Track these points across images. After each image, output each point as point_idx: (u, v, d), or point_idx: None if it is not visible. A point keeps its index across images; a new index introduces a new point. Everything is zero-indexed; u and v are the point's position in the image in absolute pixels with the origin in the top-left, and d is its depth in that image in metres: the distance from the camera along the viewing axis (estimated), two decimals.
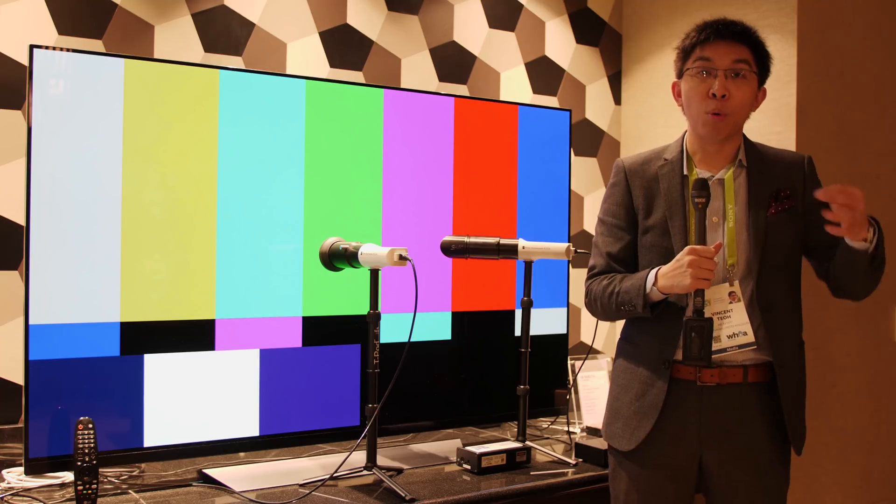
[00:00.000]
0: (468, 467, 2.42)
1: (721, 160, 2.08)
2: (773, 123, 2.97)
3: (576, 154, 3.44)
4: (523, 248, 2.52)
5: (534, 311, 2.66)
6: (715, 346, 1.97)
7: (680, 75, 2.10)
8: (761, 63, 2.06)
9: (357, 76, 2.95)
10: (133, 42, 2.56)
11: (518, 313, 2.84)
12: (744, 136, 2.12)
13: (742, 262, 2.02)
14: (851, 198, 1.84)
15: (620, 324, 2.22)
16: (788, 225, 2.05)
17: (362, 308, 2.32)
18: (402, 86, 3.02)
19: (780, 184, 2.06)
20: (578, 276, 3.32)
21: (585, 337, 3.43)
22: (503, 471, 2.42)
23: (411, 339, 2.24)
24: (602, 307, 2.12)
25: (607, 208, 2.17)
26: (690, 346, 1.92)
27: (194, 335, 2.32)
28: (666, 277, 1.95)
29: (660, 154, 2.14)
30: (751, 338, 1.99)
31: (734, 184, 2.06)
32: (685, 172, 2.08)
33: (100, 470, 2.10)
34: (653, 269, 2.01)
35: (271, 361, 2.43)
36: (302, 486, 2.24)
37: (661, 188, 2.08)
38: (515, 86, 3.32)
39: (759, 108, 2.11)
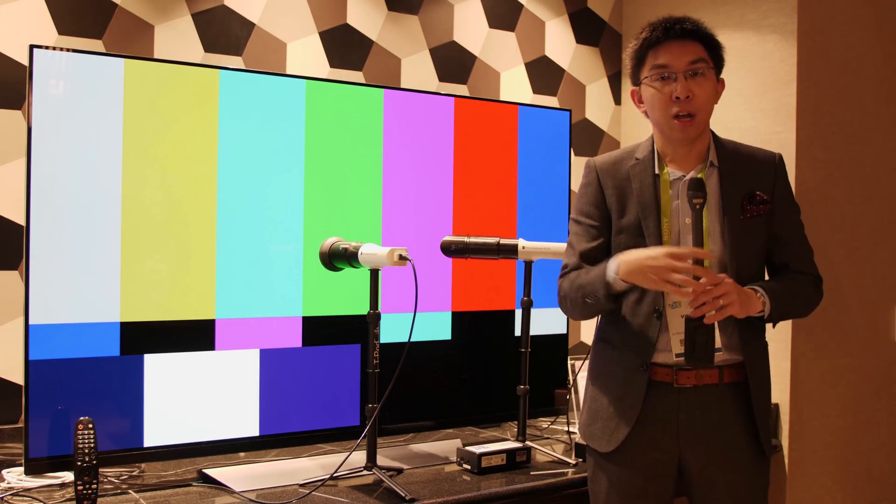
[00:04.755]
0: (468, 467, 2.42)
1: (691, 160, 2.06)
2: (773, 123, 2.97)
3: (576, 154, 3.44)
4: (523, 248, 2.52)
5: (534, 311, 2.66)
6: (676, 350, 1.97)
7: (637, 82, 2.08)
8: (716, 56, 2.04)
9: (357, 76, 2.95)
10: (133, 42, 2.56)
11: (518, 313, 2.84)
12: (712, 133, 2.10)
13: (715, 266, 2.01)
14: (709, 293, 1.87)
15: None
16: (761, 229, 2.05)
17: (362, 308, 2.32)
18: (402, 86, 3.02)
19: (753, 185, 2.05)
20: None
21: (585, 337, 3.43)
22: (503, 471, 2.42)
23: (411, 339, 2.24)
24: (571, 303, 2.09)
25: (580, 208, 2.14)
26: (694, 347, 1.90)
27: (194, 335, 2.32)
28: (629, 265, 1.92)
29: (631, 153, 2.12)
30: (717, 343, 1.98)
31: (706, 185, 2.03)
32: (656, 171, 2.06)
33: (100, 470, 2.10)
34: (616, 256, 1.98)
35: (271, 361, 2.43)
36: (302, 486, 2.24)
37: (634, 188, 2.06)
38: (515, 86, 3.32)
39: (720, 99, 2.09)
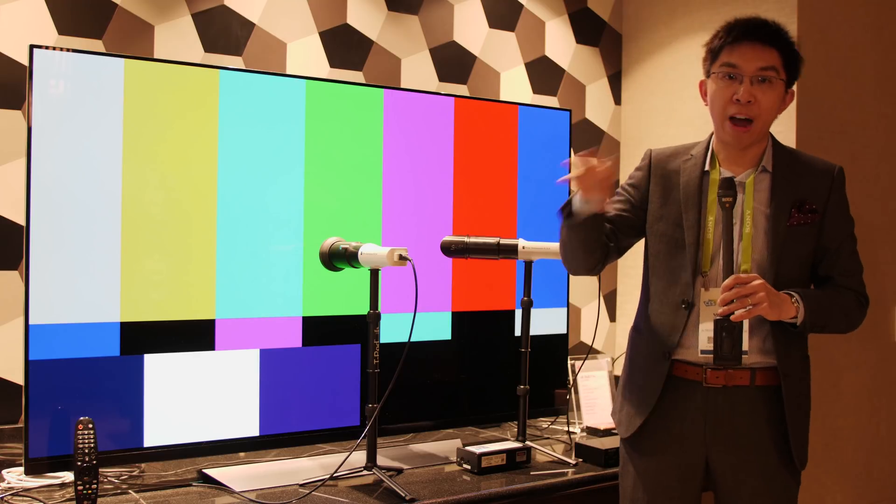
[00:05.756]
0: (468, 467, 2.42)
1: (744, 162, 2.05)
2: (773, 123, 2.96)
3: (576, 154, 3.44)
4: (523, 248, 2.52)
5: (534, 311, 2.66)
6: (702, 347, 1.98)
7: (707, 75, 2.07)
8: (790, 66, 2.02)
9: (357, 76, 2.95)
10: (133, 42, 2.56)
11: (518, 313, 2.84)
12: (772, 138, 2.09)
13: (755, 269, 1.99)
14: (740, 291, 1.87)
15: (623, 322, 2.23)
16: (807, 238, 2.02)
17: (362, 308, 2.32)
18: (402, 86, 3.02)
19: (805, 193, 2.02)
20: (578, 276, 3.32)
21: (585, 337, 3.43)
22: (503, 471, 2.42)
23: (411, 339, 2.24)
24: (560, 239, 2.11)
25: (623, 184, 2.18)
26: (721, 346, 1.90)
27: (194, 335, 2.32)
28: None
29: (688, 149, 2.13)
30: (745, 345, 1.96)
31: (754, 188, 2.03)
32: (707, 168, 2.06)
33: (100, 470, 2.10)
34: None
35: (271, 361, 2.43)
36: (302, 486, 2.24)
37: (680, 181, 2.07)
38: (515, 86, 3.32)
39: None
